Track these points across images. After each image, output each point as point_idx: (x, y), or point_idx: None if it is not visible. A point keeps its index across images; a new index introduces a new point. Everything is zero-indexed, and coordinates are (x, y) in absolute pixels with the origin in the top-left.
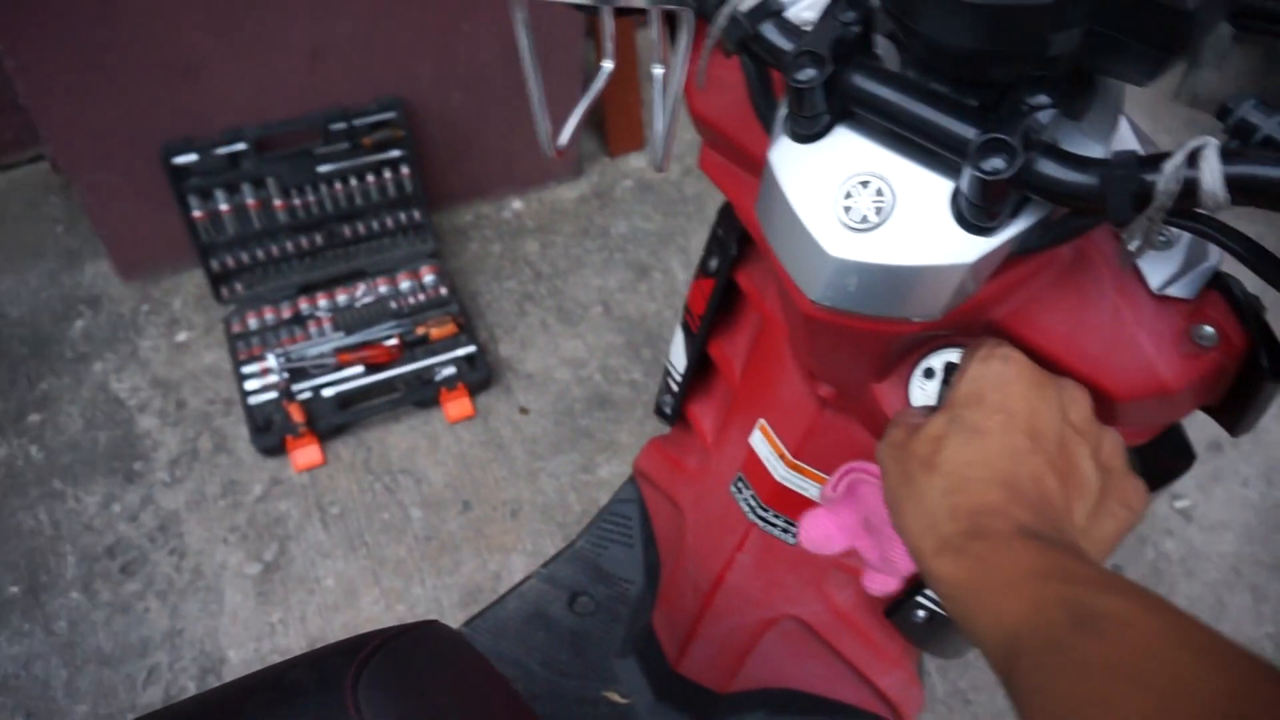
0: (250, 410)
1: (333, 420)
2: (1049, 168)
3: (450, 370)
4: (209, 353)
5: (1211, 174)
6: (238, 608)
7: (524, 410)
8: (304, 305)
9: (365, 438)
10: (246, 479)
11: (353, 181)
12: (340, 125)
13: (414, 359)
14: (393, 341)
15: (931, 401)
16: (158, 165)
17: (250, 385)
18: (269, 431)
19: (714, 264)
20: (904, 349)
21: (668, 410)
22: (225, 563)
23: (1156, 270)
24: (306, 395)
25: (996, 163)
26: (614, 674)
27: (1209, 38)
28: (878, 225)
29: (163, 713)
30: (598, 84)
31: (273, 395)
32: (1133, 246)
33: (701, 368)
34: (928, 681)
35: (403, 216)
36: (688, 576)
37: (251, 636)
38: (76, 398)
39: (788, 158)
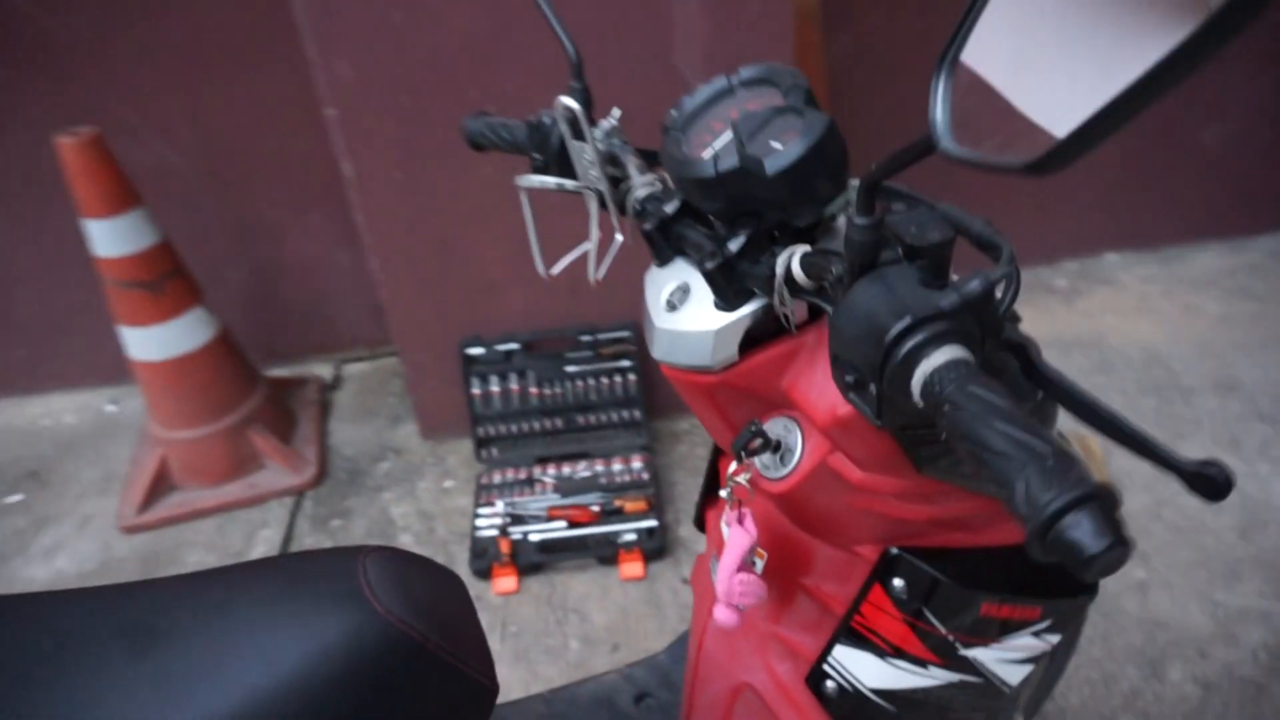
0: (474, 540)
1: (532, 559)
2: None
3: (632, 537)
4: (462, 498)
5: (792, 263)
6: None
7: (686, 581)
8: (536, 470)
9: (553, 579)
10: None
11: (590, 381)
12: (587, 337)
13: (607, 523)
14: (595, 508)
15: (771, 465)
16: (456, 354)
17: (480, 523)
18: (483, 558)
19: None
20: (735, 408)
21: (694, 519)
22: None
23: None
24: (518, 537)
25: (708, 264)
26: None
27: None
28: (679, 309)
29: (185, 578)
30: (595, 248)
31: (494, 533)
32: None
33: (714, 477)
34: None
35: (625, 414)
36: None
37: None
38: (365, 515)
39: (651, 276)
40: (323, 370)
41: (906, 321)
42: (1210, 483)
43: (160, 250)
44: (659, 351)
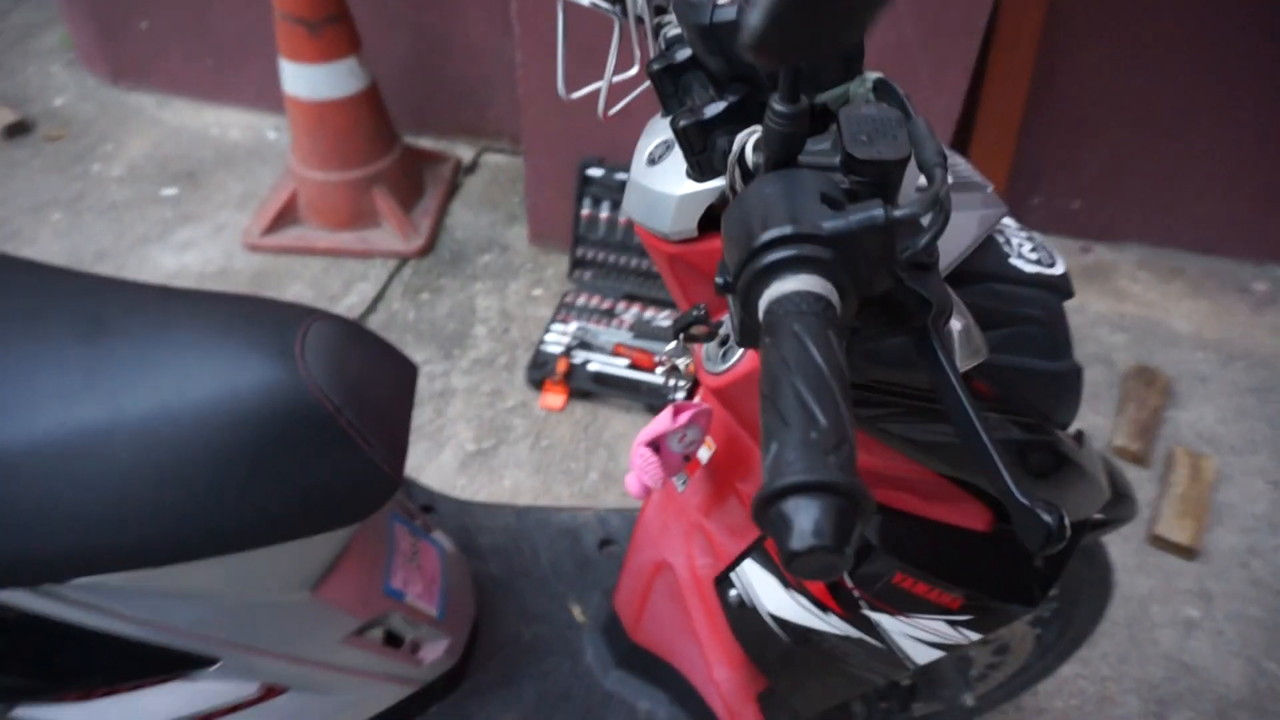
0: (538, 351)
1: (584, 385)
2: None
3: (682, 395)
4: (544, 309)
5: (748, 144)
6: (444, 464)
7: None
8: (619, 305)
9: (598, 410)
10: (508, 393)
11: None
12: None
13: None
14: (658, 358)
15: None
16: (575, 170)
17: (549, 337)
18: (539, 370)
19: None
20: (695, 286)
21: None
22: (458, 434)
23: None
24: (578, 361)
25: (681, 122)
26: (588, 603)
27: None
28: (656, 164)
29: (153, 287)
30: (607, 81)
31: (558, 350)
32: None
33: None
34: None
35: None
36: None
37: (438, 485)
38: (453, 297)
39: (650, 124)
40: (464, 152)
41: (774, 233)
42: (1035, 526)
43: None
44: (626, 205)
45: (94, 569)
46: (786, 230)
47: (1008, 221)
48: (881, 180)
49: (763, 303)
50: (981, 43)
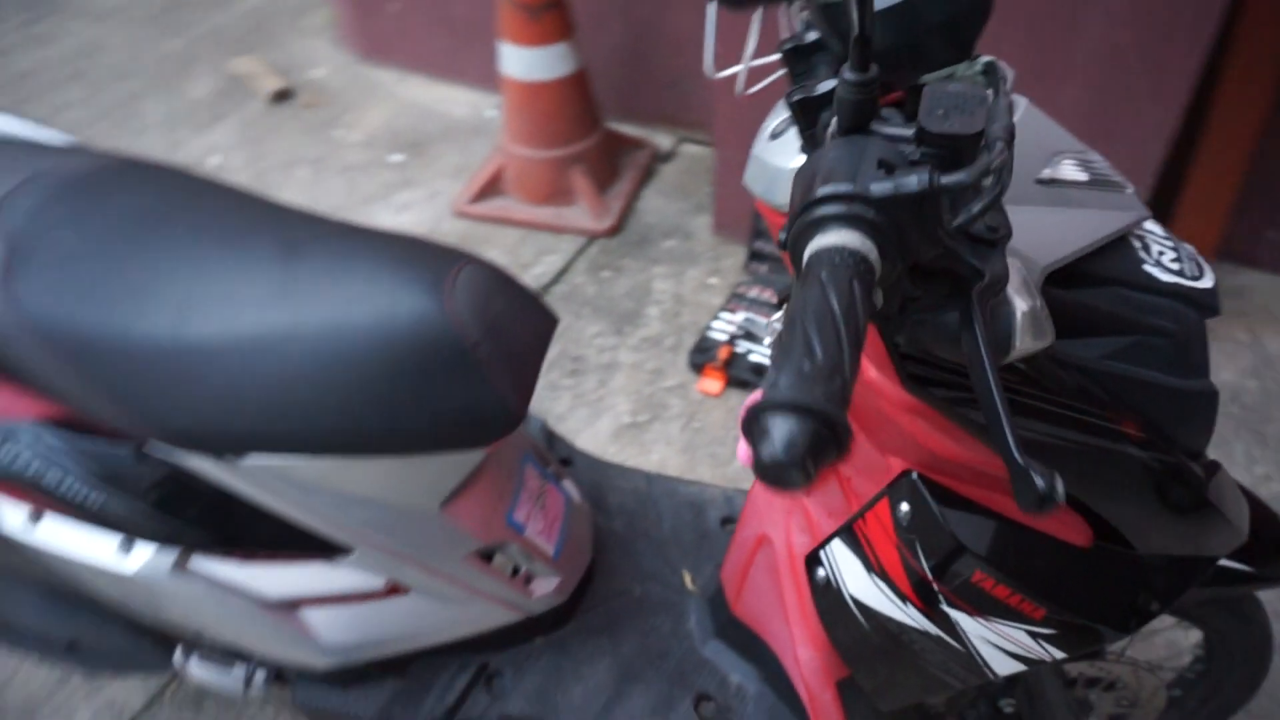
0: (703, 337)
1: (743, 375)
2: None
3: None
4: (716, 298)
5: None
6: (599, 431)
7: None
8: None
9: None
10: (669, 373)
11: None
12: None
13: None
14: (768, 324)
15: None
16: None
17: (715, 325)
18: (702, 355)
19: None
20: None
21: None
22: (616, 405)
23: None
24: (741, 350)
25: (793, 96)
26: (699, 573)
27: None
28: (778, 138)
29: (339, 223)
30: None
31: (723, 338)
32: None
33: None
34: None
35: None
36: None
37: (589, 448)
38: (633, 277)
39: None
40: (664, 141)
41: (824, 190)
42: (1027, 487)
43: None
44: (747, 177)
45: (263, 448)
46: (836, 189)
47: (1153, 228)
48: (952, 154)
49: (806, 254)
50: (1212, 53)
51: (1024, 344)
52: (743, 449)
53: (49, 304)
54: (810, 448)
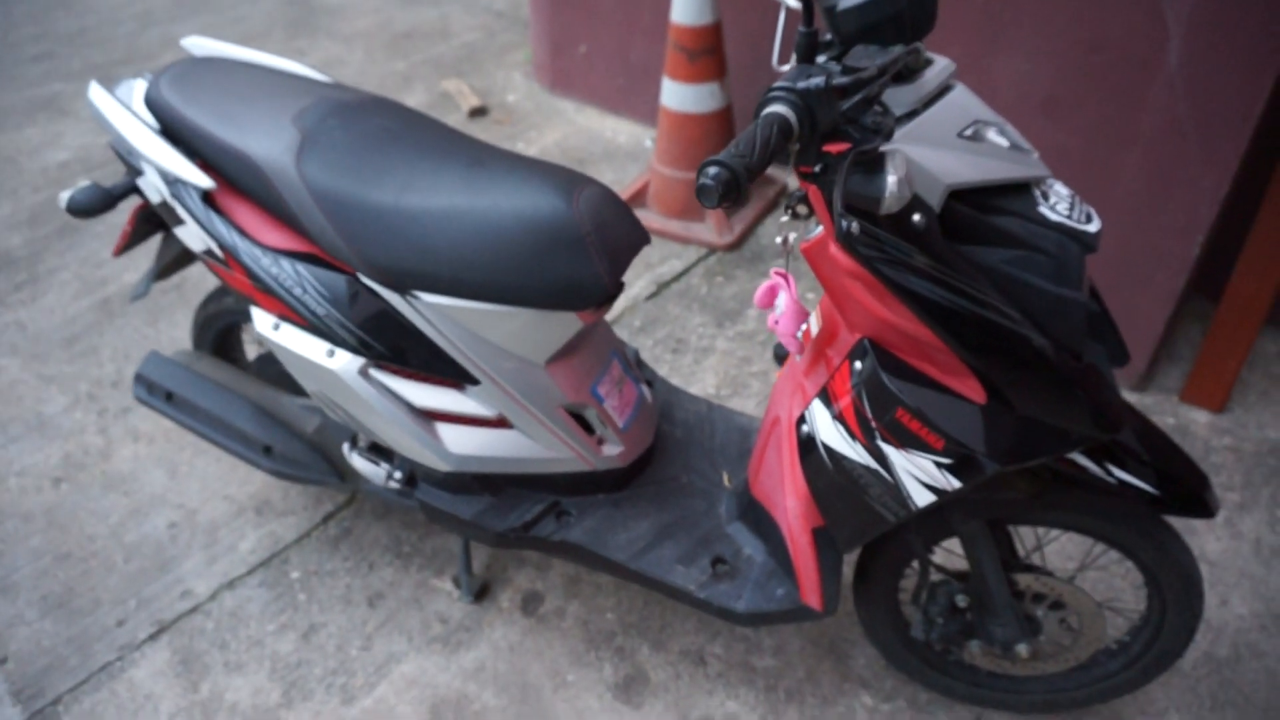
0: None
1: None
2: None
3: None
4: (810, 307)
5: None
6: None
7: None
8: None
9: None
10: (755, 361)
11: None
12: None
13: None
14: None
15: (808, 231)
16: None
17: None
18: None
19: None
20: None
21: None
22: (704, 380)
23: None
24: None
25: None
26: (735, 475)
27: None
28: None
29: (504, 151)
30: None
31: None
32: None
33: None
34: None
35: None
36: None
37: None
38: (740, 285)
39: None
40: (791, 182)
41: (776, 84)
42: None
43: (710, 30)
44: None
45: (434, 289)
46: (779, 83)
47: (1059, 187)
48: (857, 82)
49: (760, 113)
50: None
51: (891, 205)
52: (759, 293)
53: (321, 175)
54: (726, 183)
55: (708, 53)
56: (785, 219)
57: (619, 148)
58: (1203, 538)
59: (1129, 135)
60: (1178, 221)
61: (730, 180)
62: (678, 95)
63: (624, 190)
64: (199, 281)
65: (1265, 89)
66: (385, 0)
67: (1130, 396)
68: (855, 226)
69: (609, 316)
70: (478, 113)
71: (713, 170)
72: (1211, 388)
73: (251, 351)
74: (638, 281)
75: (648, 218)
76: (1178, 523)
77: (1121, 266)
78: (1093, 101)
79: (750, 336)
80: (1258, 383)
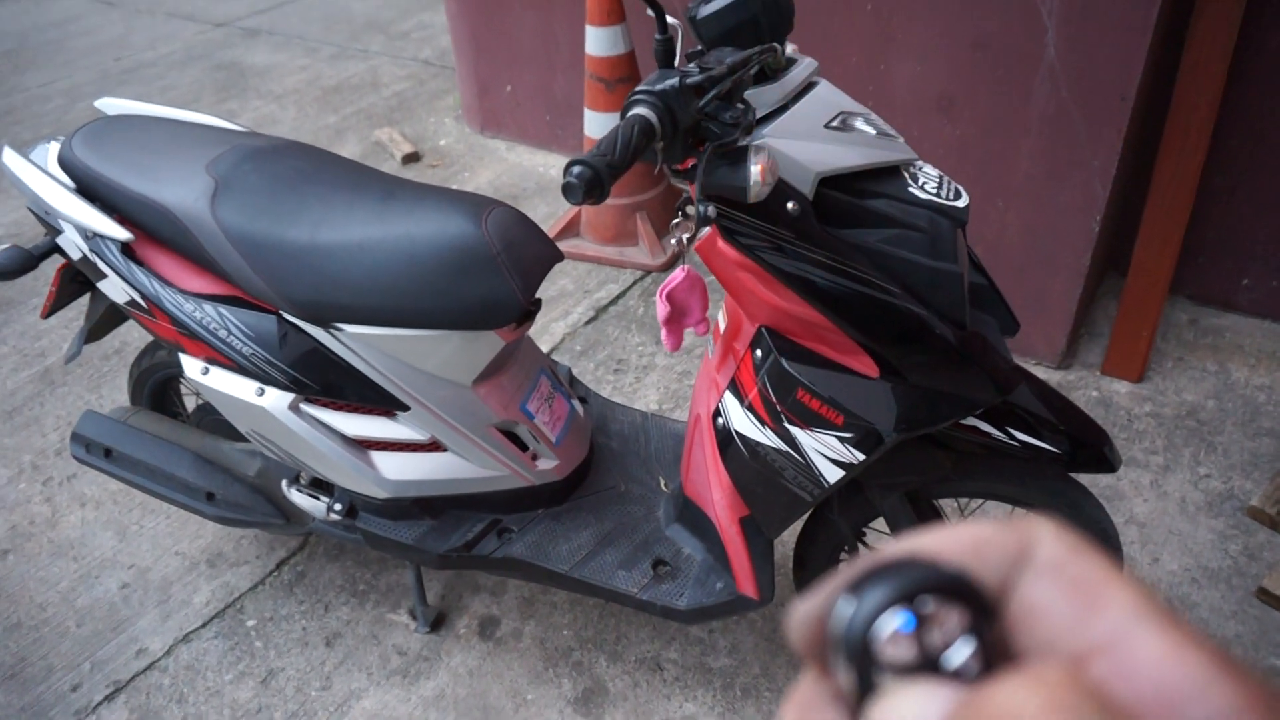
0: None
1: None
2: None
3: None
4: None
5: None
6: None
7: None
8: None
9: None
10: (694, 374)
11: None
12: None
13: None
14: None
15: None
16: None
17: None
18: None
19: None
20: None
21: None
22: (646, 396)
23: None
24: None
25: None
26: (671, 481)
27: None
28: None
29: (409, 182)
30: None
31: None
32: None
33: None
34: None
35: None
36: None
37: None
38: None
39: None
40: None
41: (639, 87)
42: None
43: (624, 59)
44: None
45: (355, 320)
46: (640, 87)
47: (929, 169)
48: (710, 81)
49: (627, 115)
50: (1151, 104)
51: (759, 192)
52: (665, 337)
53: (236, 218)
54: (589, 181)
55: (623, 81)
56: (677, 220)
57: (551, 181)
58: (1131, 501)
59: (1021, 125)
60: (1075, 201)
61: (593, 178)
62: (600, 124)
63: (557, 221)
64: (139, 344)
65: (1137, 70)
66: (313, 57)
67: (1053, 374)
68: (712, 210)
69: (546, 343)
70: (411, 159)
71: (576, 169)
72: (1129, 359)
73: (191, 403)
74: (576, 308)
75: (582, 245)
76: (1106, 490)
77: (1030, 250)
78: (983, 96)
79: (688, 351)
80: (1172, 351)
